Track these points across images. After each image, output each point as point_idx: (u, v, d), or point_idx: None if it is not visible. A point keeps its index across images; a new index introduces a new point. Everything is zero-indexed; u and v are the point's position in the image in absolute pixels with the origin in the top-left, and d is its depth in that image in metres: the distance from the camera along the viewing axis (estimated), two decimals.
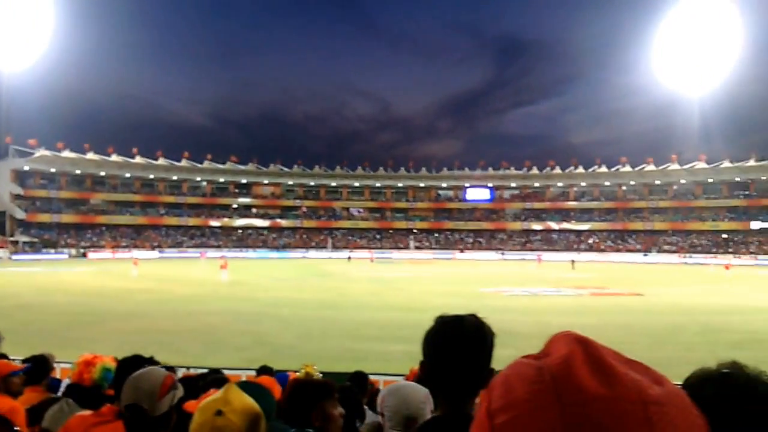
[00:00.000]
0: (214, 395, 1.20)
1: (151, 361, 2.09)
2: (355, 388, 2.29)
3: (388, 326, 13.14)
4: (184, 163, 56.27)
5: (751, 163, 48.42)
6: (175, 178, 56.73)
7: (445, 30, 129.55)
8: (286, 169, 55.46)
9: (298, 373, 3.58)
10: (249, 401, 1.21)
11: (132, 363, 2.04)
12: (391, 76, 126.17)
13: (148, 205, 57.84)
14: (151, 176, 57.51)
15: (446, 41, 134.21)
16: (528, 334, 10.27)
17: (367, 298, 19.33)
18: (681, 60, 42.28)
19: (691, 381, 0.76)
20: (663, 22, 42.77)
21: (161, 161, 55.73)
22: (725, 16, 40.60)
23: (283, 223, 54.73)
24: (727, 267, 29.32)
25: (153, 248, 53.31)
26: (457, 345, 0.87)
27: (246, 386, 1.37)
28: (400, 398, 1.44)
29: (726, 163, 47.80)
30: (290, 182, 55.35)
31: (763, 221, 46.25)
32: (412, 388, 1.44)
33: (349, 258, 47.82)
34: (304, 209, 55.15)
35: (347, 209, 54.85)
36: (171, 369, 2.97)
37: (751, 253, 45.07)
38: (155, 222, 56.94)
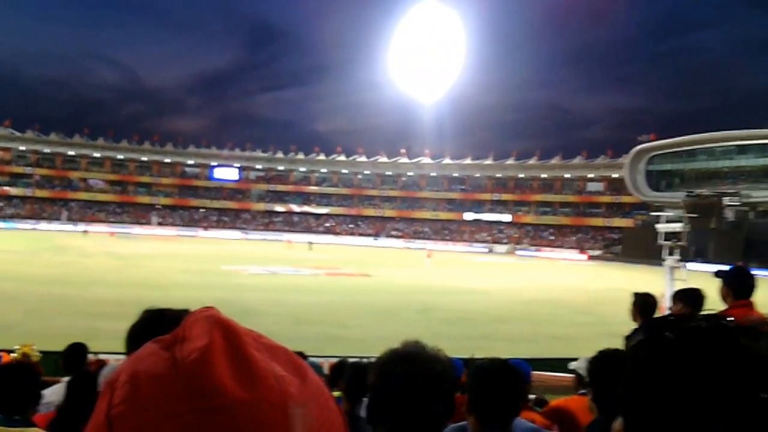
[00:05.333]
0: None
1: None
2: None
3: (126, 303, 14.42)
4: None
5: (468, 161, 74.99)
6: None
7: (197, 5, 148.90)
8: (17, 133, 69.32)
9: (14, 354, 4.06)
10: None
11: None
12: (140, 47, 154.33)
13: None
14: None
15: (198, 17, 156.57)
16: (267, 312, 12.65)
17: (104, 274, 21.59)
18: (412, 63, 62.70)
19: (382, 359, 1.13)
20: (398, 25, 66.09)
21: None
22: (449, 26, 64.44)
23: (12, 191, 71.63)
24: (428, 254, 38.02)
25: None
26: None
27: None
28: None
29: (447, 160, 70.79)
30: (22, 147, 70.13)
31: (475, 213, 73.49)
32: None
33: (86, 231, 60.27)
34: (37, 177, 69.50)
35: (85, 180, 70.74)
36: None
37: (465, 240, 70.43)
38: None
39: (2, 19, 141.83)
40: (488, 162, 73.61)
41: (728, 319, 0.47)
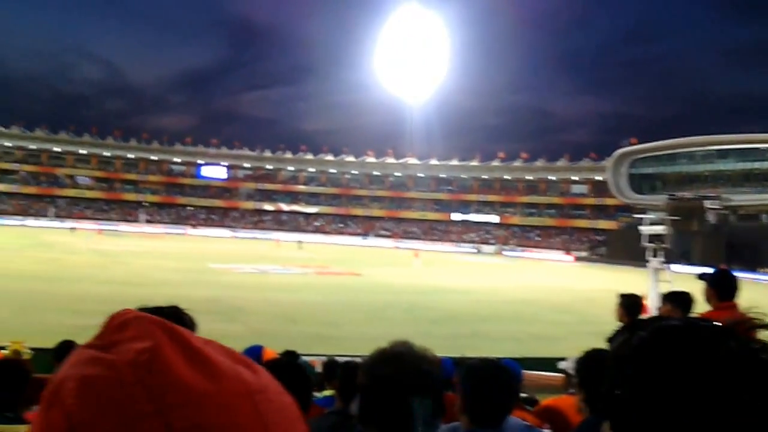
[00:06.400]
0: None
1: None
2: None
3: (111, 301, 14.04)
4: None
5: (454, 162, 75.33)
6: None
7: (180, 2, 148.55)
8: (2, 128, 68.25)
9: (5, 351, 4.08)
10: None
11: None
12: (123, 42, 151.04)
13: None
14: None
15: (181, 14, 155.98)
16: (256, 311, 12.72)
17: (90, 270, 21.71)
18: (398, 64, 62.56)
19: (371, 359, 1.16)
20: (383, 26, 66.15)
21: None
22: (434, 29, 61.02)
23: None
24: (416, 254, 37.88)
25: None
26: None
27: None
28: None
29: (434, 161, 70.71)
30: (8, 144, 68.92)
31: (462, 213, 73.84)
32: None
33: (73, 229, 59.64)
34: (24, 174, 68.65)
35: (72, 177, 69.94)
36: None
37: (452, 241, 70.63)
38: None
39: None
40: (474, 163, 74.13)
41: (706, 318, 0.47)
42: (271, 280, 22.98)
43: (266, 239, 63.64)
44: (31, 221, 66.39)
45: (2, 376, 2.05)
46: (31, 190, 71.72)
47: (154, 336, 0.36)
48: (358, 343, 7.61)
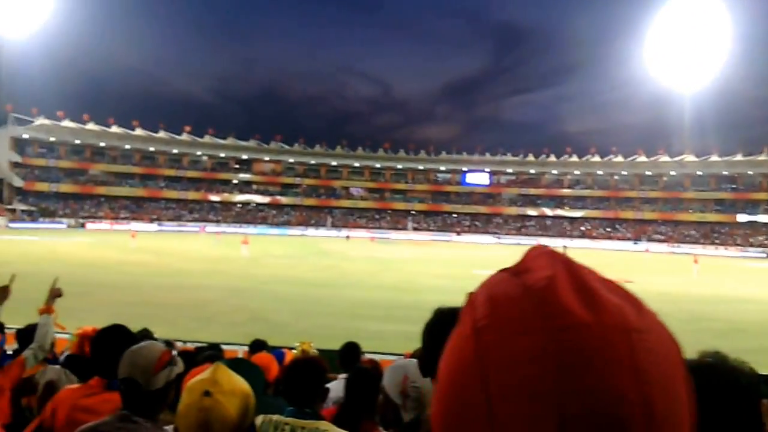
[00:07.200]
0: (201, 375, 1.56)
1: (131, 333, 2.65)
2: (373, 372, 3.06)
3: (384, 306, 15.89)
4: (185, 137, 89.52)
5: (739, 157, 78.09)
6: (175, 151, 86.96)
7: (445, 15, 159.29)
8: (286, 146, 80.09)
9: (294, 350, 4.71)
10: (238, 381, 1.55)
11: (109, 334, 2.51)
12: (391, 60, 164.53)
13: (148, 178, 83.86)
14: (152, 149, 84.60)
15: (446, 26, 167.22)
16: None
17: (363, 277, 24.26)
18: (672, 55, 64.44)
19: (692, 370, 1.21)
20: (656, 16, 65.57)
21: (162, 134, 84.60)
22: (715, 14, 63.15)
23: (283, 200, 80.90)
24: (695, 260, 36.94)
25: (152, 221, 74.54)
26: None
27: (236, 364, 1.87)
28: (427, 379, 1.84)
29: (714, 157, 72.67)
30: (291, 160, 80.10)
31: (749, 214, 77.22)
32: None
33: (348, 237, 70.15)
34: (304, 187, 76.77)
35: (347, 189, 79.15)
36: (169, 344, 3.70)
37: (738, 245, 72.78)
38: (155, 195, 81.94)
39: (270, 46, 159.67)
40: (762, 158, 72.52)
41: None
42: None
43: (530, 245, 63.35)
44: (311, 231, 74.74)
45: (300, 373, 2.25)
46: (311, 201, 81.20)
47: (555, 268, 0.46)
48: None
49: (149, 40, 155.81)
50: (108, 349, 2.19)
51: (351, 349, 4.45)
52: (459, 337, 0.45)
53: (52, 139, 76.41)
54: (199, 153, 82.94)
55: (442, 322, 1.40)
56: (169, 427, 1.75)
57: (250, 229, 69.06)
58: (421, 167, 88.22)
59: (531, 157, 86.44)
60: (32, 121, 70.88)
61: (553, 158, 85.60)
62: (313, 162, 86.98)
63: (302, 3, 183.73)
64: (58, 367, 3.16)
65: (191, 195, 79.13)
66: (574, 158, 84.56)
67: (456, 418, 0.42)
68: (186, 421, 1.46)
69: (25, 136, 70.70)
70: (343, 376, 3.76)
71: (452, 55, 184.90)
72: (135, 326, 2.52)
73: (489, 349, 0.41)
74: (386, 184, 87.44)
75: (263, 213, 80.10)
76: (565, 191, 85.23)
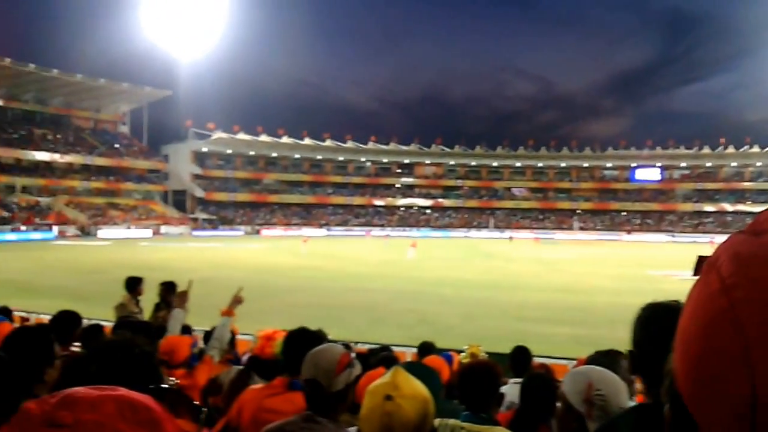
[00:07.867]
0: (382, 379, 1.58)
1: (318, 334, 2.74)
2: (546, 378, 3.01)
3: (551, 308, 15.68)
4: (349, 144, 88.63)
5: None
6: (341, 158, 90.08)
7: (607, 6, 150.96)
8: (447, 149, 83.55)
9: (462, 354, 4.72)
10: (418, 385, 1.55)
11: (298, 336, 2.61)
12: (551, 55, 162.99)
13: (316, 185, 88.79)
14: (319, 157, 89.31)
15: (608, 18, 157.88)
16: None
17: (528, 278, 24.35)
18: None
19: None
20: None
21: (328, 143, 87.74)
22: None
23: (445, 202, 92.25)
24: None
25: (321, 226, 78.65)
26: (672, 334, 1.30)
27: (413, 368, 1.83)
28: (611, 386, 1.83)
29: None
30: (452, 162, 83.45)
31: None
32: (615, 375, 1.98)
33: (511, 238, 69.12)
34: (466, 189, 79.12)
35: (509, 189, 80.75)
36: (347, 346, 3.73)
37: None
38: (323, 201, 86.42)
39: (427, 50, 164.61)
40: None
41: None
42: None
43: (707, 243, 60.71)
44: (473, 232, 76.55)
45: (476, 377, 2.23)
46: (473, 203, 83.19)
47: None
48: None
49: (313, 53, 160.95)
50: (298, 348, 2.29)
51: (521, 353, 4.38)
52: (706, 293, 0.45)
53: (228, 151, 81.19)
54: (363, 159, 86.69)
55: (656, 317, 1.40)
56: (352, 429, 1.80)
57: (414, 233, 70.37)
58: (586, 165, 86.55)
59: (706, 150, 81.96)
60: (210, 135, 75.67)
61: (731, 149, 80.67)
62: (474, 163, 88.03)
63: (458, 4, 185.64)
64: (241, 367, 3.30)
65: (357, 200, 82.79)
66: (756, 149, 79.08)
67: (711, 366, 0.43)
68: (369, 424, 1.51)
69: (205, 149, 76.34)
70: (513, 380, 3.78)
71: (615, 47, 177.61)
72: (310, 327, 2.67)
73: (742, 304, 0.41)
74: (549, 184, 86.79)
75: (426, 216, 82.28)
76: (747, 184, 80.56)
